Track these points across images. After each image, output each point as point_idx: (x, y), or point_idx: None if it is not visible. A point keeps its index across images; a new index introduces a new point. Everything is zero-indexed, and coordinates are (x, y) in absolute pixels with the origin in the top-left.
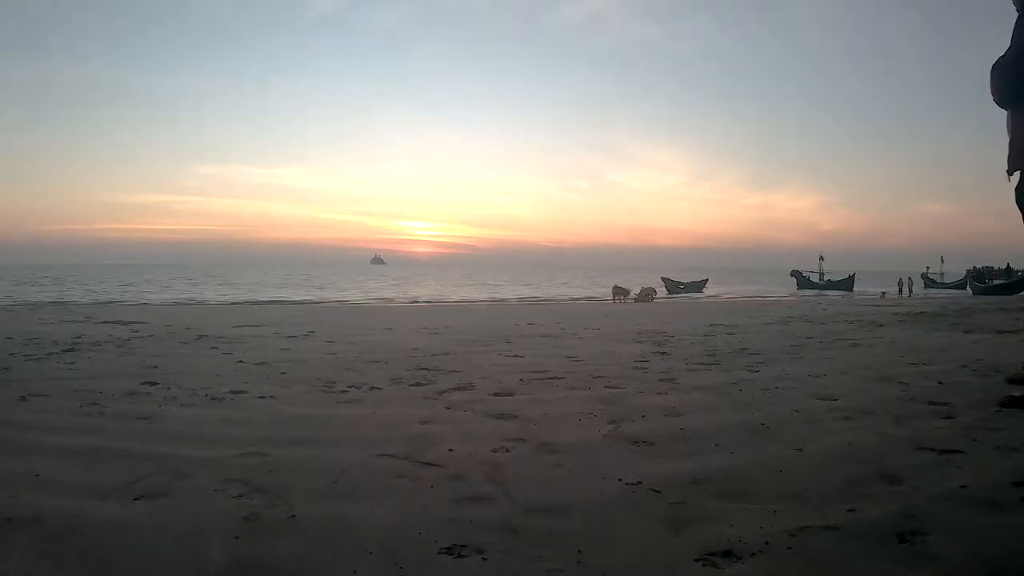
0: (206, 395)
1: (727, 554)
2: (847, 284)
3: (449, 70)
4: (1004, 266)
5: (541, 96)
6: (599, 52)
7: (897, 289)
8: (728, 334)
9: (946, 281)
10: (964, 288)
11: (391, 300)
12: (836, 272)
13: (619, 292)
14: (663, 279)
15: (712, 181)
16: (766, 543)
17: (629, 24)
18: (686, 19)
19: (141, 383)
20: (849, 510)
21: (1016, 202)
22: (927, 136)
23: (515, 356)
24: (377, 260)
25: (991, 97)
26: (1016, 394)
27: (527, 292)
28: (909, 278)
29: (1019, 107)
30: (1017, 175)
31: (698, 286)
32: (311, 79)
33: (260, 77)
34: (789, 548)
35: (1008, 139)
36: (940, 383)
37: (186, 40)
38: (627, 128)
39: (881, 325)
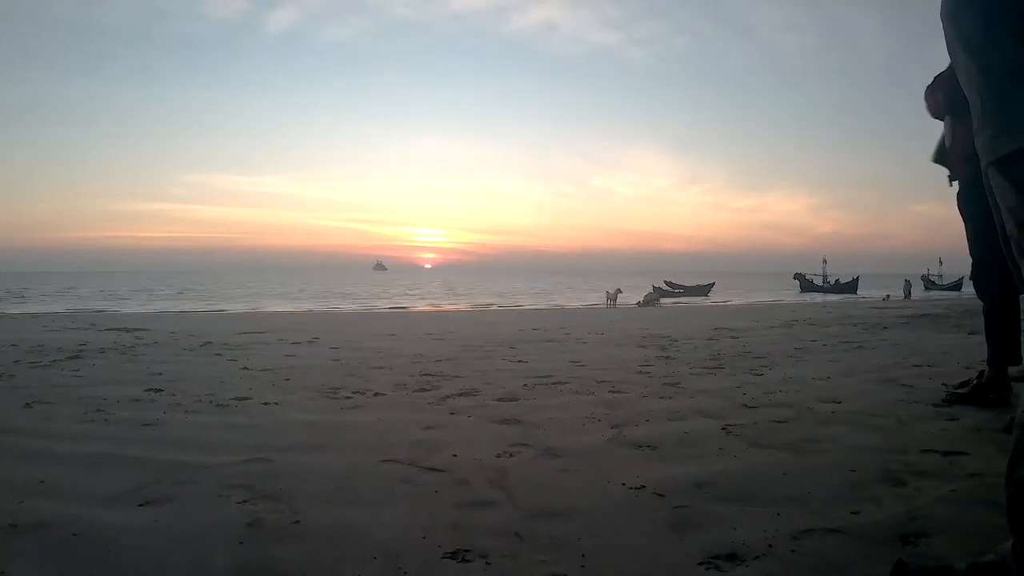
0: (210, 402)
1: (731, 557)
2: (851, 287)
3: (414, 80)
4: None
5: (513, 102)
6: (558, 58)
7: (903, 292)
8: (732, 338)
9: (944, 283)
10: (960, 289)
11: (394, 306)
12: (837, 275)
13: (611, 298)
14: (665, 282)
15: (699, 184)
16: (770, 546)
17: (582, 31)
18: (638, 26)
19: (146, 390)
20: (853, 512)
21: (958, 208)
22: (917, 136)
23: (519, 361)
24: (379, 266)
25: (927, 112)
26: (960, 390)
27: (530, 297)
28: (907, 280)
29: (957, 118)
30: (958, 183)
31: (703, 290)
32: (278, 94)
33: (235, 92)
34: (793, 551)
35: (948, 148)
36: (944, 385)
37: (168, 56)
38: (603, 132)
39: (885, 327)
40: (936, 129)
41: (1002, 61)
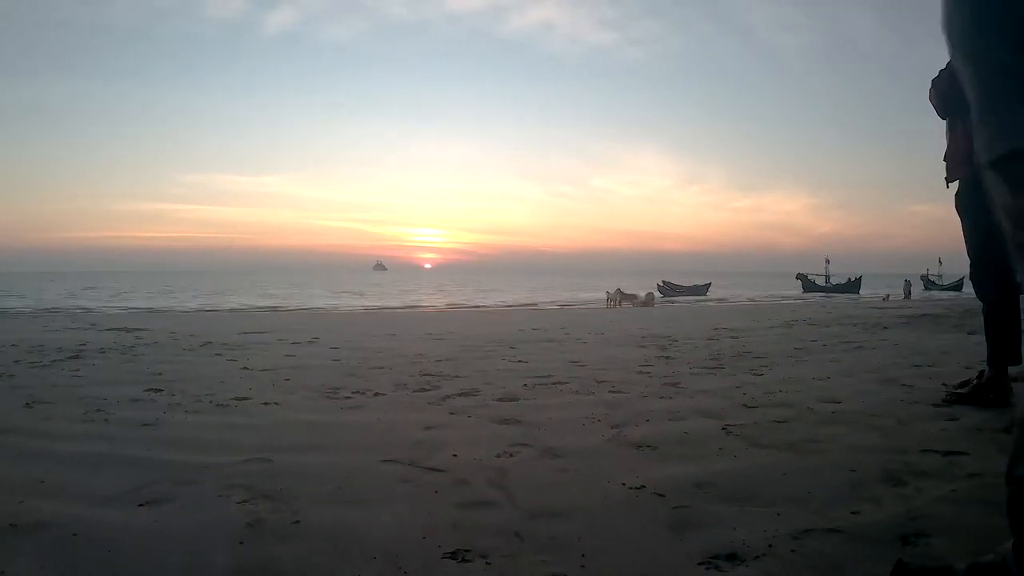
0: (210, 401)
1: (731, 557)
2: (854, 287)
3: (413, 80)
4: None
5: (511, 102)
6: (556, 58)
7: (903, 292)
8: (732, 338)
9: (944, 283)
10: (961, 289)
11: (394, 306)
12: (839, 275)
13: (622, 297)
14: (663, 283)
15: (699, 184)
16: (770, 546)
17: (580, 31)
18: (635, 26)
19: (146, 390)
20: (853, 512)
21: (956, 209)
22: (917, 136)
23: (519, 361)
24: (379, 266)
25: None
26: (960, 390)
27: (530, 297)
28: (907, 280)
29: (954, 120)
30: (956, 183)
31: (699, 290)
32: (278, 94)
33: (234, 92)
34: (792, 551)
35: (946, 148)
36: (944, 385)
37: (167, 56)
38: (602, 132)
39: (885, 327)
40: (942, 128)
41: (995, 63)
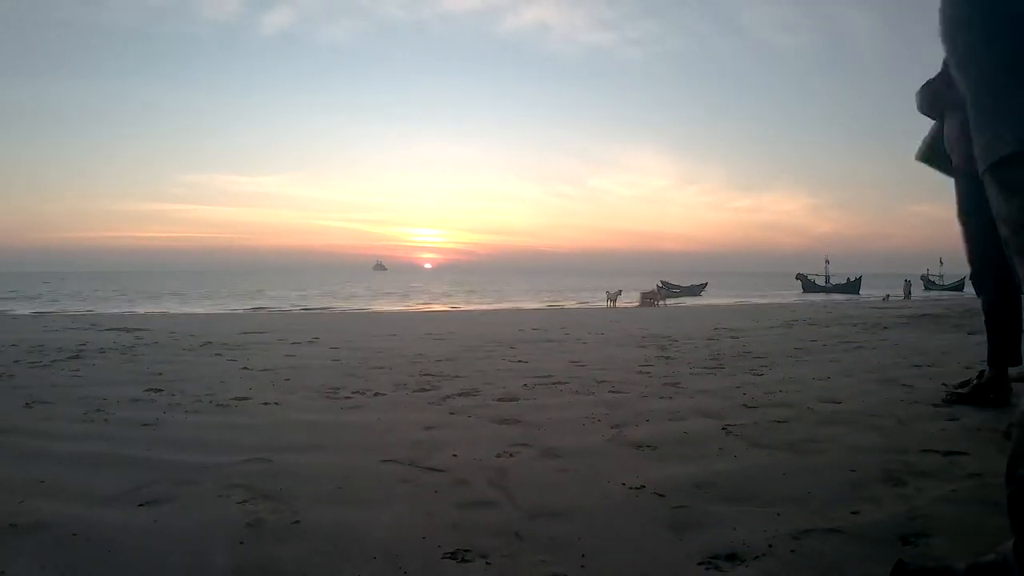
0: (210, 401)
1: (731, 557)
2: (854, 287)
3: (412, 80)
4: None
5: (509, 102)
6: (554, 58)
7: (903, 292)
8: (732, 338)
9: (945, 283)
10: (961, 290)
11: (394, 306)
12: (838, 275)
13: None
14: (662, 282)
15: (698, 184)
16: (769, 546)
17: (576, 32)
18: (633, 26)
19: (145, 390)
20: (853, 512)
21: (958, 209)
22: (917, 136)
23: (519, 361)
24: (379, 267)
25: (918, 110)
26: (960, 390)
27: (531, 298)
28: (907, 280)
29: (954, 113)
30: (957, 182)
31: (696, 290)
32: (277, 95)
33: (234, 92)
34: (792, 551)
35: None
36: (944, 385)
37: (166, 56)
38: (600, 132)
39: (885, 328)
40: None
41: (994, 68)
